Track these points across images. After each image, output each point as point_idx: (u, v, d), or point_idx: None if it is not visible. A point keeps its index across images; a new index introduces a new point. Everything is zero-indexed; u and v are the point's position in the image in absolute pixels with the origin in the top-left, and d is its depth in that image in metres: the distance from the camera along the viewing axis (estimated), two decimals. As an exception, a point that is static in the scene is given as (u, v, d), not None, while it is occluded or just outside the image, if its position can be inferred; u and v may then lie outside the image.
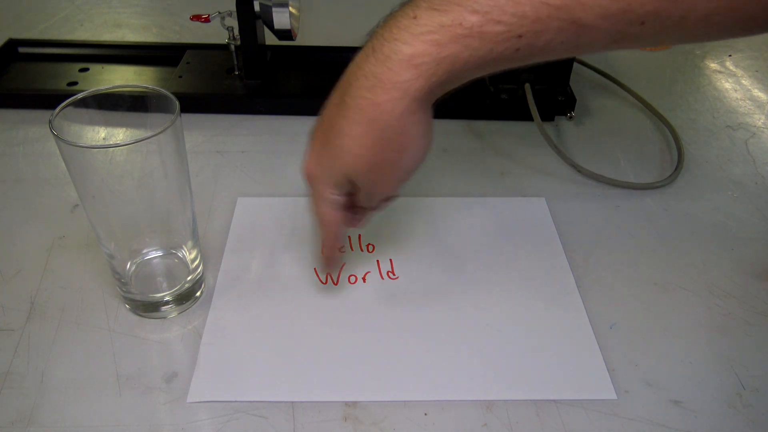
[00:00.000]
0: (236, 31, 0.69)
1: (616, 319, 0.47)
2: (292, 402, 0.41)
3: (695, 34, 0.33)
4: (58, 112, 0.39)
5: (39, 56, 0.77)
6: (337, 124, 0.38)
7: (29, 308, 0.47)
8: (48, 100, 0.69)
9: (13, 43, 0.77)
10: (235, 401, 0.41)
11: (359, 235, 0.54)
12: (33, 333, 0.45)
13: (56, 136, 0.37)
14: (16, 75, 0.74)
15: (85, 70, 0.75)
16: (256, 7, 0.66)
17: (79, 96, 0.40)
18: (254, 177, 0.61)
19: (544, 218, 0.56)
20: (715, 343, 0.46)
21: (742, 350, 0.45)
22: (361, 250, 0.53)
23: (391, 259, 0.52)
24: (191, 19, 0.70)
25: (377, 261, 0.52)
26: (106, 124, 0.68)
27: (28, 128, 0.67)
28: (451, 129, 0.69)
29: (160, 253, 0.47)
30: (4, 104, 0.70)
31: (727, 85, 0.79)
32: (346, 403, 0.41)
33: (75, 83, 0.72)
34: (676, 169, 0.63)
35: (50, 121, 0.38)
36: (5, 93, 0.70)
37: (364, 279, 0.50)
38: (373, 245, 0.53)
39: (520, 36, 0.33)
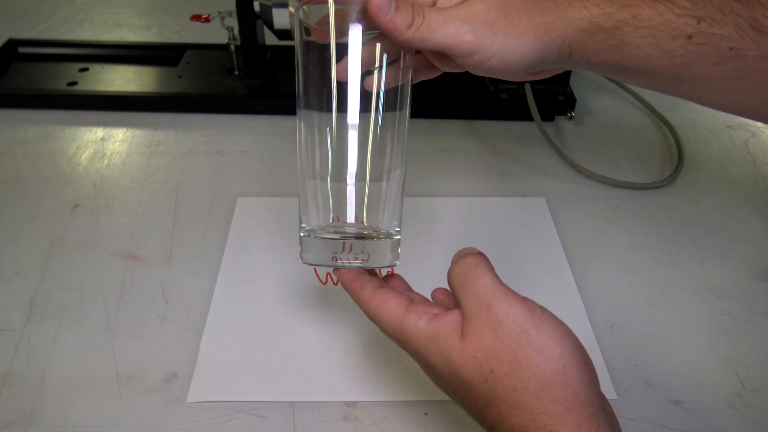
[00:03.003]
0: (236, 31, 0.70)
1: (616, 319, 0.47)
2: (292, 402, 0.41)
3: None
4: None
5: (39, 56, 0.77)
6: None
7: (29, 308, 0.47)
8: (48, 100, 0.70)
9: (13, 43, 0.77)
10: (235, 401, 0.41)
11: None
12: (33, 333, 0.45)
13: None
14: (16, 75, 0.74)
15: (85, 70, 0.75)
16: (256, 7, 0.66)
17: None
18: (254, 177, 0.61)
19: (544, 218, 0.56)
20: (715, 343, 0.46)
21: (742, 350, 0.45)
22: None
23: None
24: (191, 19, 0.70)
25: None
26: (105, 124, 0.68)
27: (28, 128, 0.67)
28: (451, 129, 0.69)
29: None
30: (4, 104, 0.70)
31: (727, 85, 0.79)
32: (346, 403, 0.41)
33: (75, 83, 0.72)
34: (676, 169, 0.63)
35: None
36: (5, 93, 0.70)
37: (364, 279, 0.50)
38: (373, 245, 0.53)
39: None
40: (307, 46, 0.37)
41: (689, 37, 0.34)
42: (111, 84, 0.72)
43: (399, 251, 0.39)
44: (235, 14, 0.67)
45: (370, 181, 0.37)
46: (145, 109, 0.69)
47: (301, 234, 0.38)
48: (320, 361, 0.44)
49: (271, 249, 0.52)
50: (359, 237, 0.37)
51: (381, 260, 0.38)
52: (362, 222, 0.38)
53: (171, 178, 0.60)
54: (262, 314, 0.47)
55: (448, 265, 0.35)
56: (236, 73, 0.73)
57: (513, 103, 0.68)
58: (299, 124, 0.38)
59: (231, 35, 0.71)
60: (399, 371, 0.43)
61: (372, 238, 0.38)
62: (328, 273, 0.50)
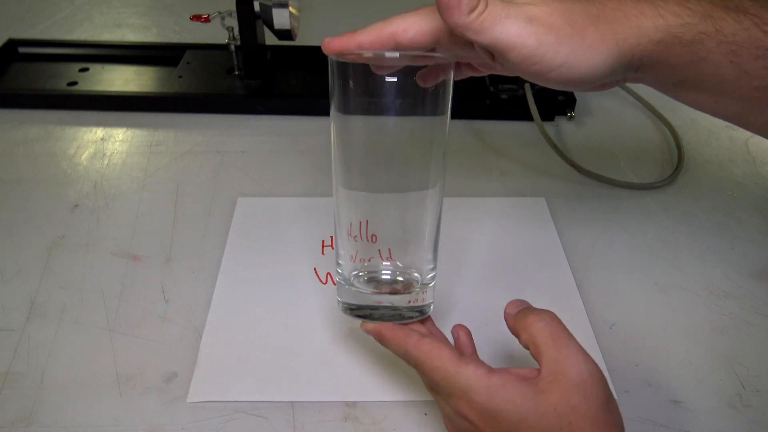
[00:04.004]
0: (236, 31, 0.70)
1: (616, 319, 0.47)
2: (292, 402, 0.41)
3: None
4: None
5: (39, 56, 0.77)
6: None
7: (29, 308, 0.47)
8: (48, 100, 0.70)
9: (13, 43, 0.77)
10: (235, 401, 0.41)
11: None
12: (33, 333, 0.45)
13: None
14: (16, 75, 0.74)
15: (85, 70, 0.75)
16: (256, 7, 0.66)
17: None
18: (254, 177, 0.61)
19: (544, 218, 0.56)
20: (715, 343, 0.46)
21: (742, 350, 0.45)
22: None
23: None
24: (191, 19, 0.70)
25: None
26: (105, 124, 0.68)
27: (28, 128, 0.67)
28: (451, 129, 0.68)
29: None
30: (4, 104, 0.70)
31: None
32: (346, 403, 0.41)
33: (75, 83, 0.72)
34: (676, 169, 0.63)
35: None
36: (5, 93, 0.70)
37: (364, 279, 0.50)
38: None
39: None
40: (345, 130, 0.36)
41: None
42: (111, 84, 0.72)
43: (433, 296, 0.40)
44: (235, 14, 0.67)
45: (404, 224, 0.37)
46: (145, 109, 0.69)
47: (338, 278, 0.39)
48: (320, 361, 0.44)
49: (271, 249, 0.52)
50: (395, 292, 0.37)
51: (415, 314, 0.38)
52: (396, 263, 0.38)
53: (171, 178, 0.60)
54: (262, 314, 0.47)
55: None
56: (236, 73, 0.73)
57: (513, 103, 0.68)
58: (335, 181, 0.37)
59: (231, 35, 0.71)
60: (399, 371, 0.43)
61: (407, 288, 0.38)
62: (328, 273, 0.50)
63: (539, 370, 0.32)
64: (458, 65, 0.37)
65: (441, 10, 0.31)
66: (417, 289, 0.38)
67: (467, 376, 0.32)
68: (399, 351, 0.36)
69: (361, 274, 0.39)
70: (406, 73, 0.33)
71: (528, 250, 0.53)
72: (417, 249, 0.38)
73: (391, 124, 0.35)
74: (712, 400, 0.42)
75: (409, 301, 0.38)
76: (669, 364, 0.44)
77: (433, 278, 0.39)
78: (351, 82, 0.34)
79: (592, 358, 0.32)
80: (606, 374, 0.43)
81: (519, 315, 0.35)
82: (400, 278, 0.38)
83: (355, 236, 0.37)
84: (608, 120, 0.71)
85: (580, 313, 0.47)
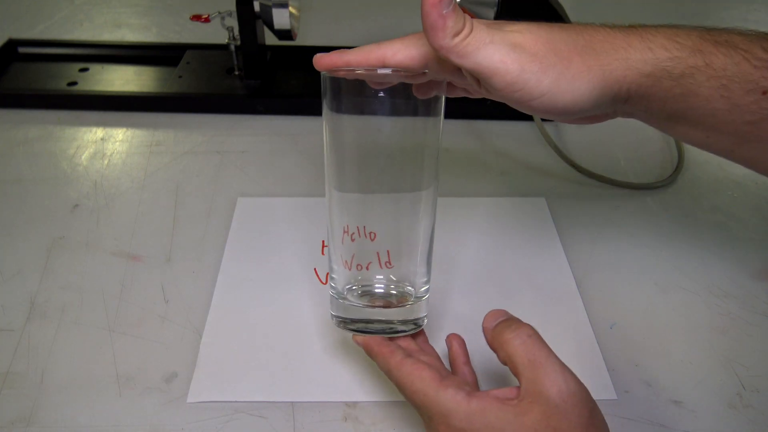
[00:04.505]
0: (236, 31, 0.70)
1: (616, 319, 0.47)
2: (292, 402, 0.41)
3: None
4: None
5: (39, 56, 0.78)
6: None
7: (29, 308, 0.47)
8: (48, 100, 0.70)
9: (13, 43, 0.77)
10: (235, 401, 0.41)
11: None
12: (33, 333, 0.45)
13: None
14: (16, 75, 0.74)
15: (85, 70, 0.75)
16: (256, 7, 0.66)
17: None
18: (254, 177, 0.61)
19: (544, 218, 0.56)
20: (715, 343, 0.46)
21: (742, 350, 0.45)
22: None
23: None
24: (191, 19, 0.70)
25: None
26: (105, 124, 0.68)
27: (28, 128, 0.67)
28: (451, 129, 0.69)
29: None
30: (4, 104, 0.70)
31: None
32: (346, 403, 0.41)
33: (75, 83, 0.72)
34: (676, 169, 0.63)
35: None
36: (5, 93, 0.70)
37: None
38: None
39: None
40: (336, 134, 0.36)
41: (764, 92, 0.31)
42: (111, 84, 0.72)
43: (427, 309, 0.40)
44: (235, 14, 0.67)
45: (398, 234, 0.37)
46: (145, 109, 0.69)
47: (331, 293, 0.39)
48: (320, 361, 0.44)
49: (271, 249, 0.52)
50: (387, 306, 0.38)
51: (409, 328, 0.38)
52: (390, 276, 0.38)
53: (171, 178, 0.60)
54: (262, 314, 0.47)
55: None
56: (236, 73, 0.73)
57: (513, 103, 0.68)
58: (328, 189, 0.37)
59: (231, 35, 0.71)
60: (399, 371, 0.43)
61: (401, 302, 0.38)
62: (328, 273, 0.50)
63: (518, 389, 0.32)
64: (451, 84, 0.37)
65: (426, 31, 0.31)
66: (410, 302, 0.38)
67: (446, 400, 0.32)
68: (383, 368, 0.36)
69: (354, 288, 0.39)
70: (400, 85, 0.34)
71: (528, 250, 0.53)
72: (411, 258, 0.38)
73: (383, 124, 0.35)
74: (712, 400, 0.42)
75: (403, 316, 0.38)
76: (669, 364, 0.44)
77: (426, 291, 0.39)
78: (342, 88, 0.35)
79: (573, 375, 0.32)
80: (606, 374, 0.43)
81: (496, 330, 0.34)
82: (394, 291, 0.39)
83: (353, 234, 0.37)
84: (608, 120, 0.71)
85: (580, 313, 0.47)
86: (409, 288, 0.39)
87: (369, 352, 0.37)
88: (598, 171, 0.61)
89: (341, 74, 0.34)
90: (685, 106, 0.32)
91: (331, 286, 0.39)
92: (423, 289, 0.39)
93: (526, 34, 0.31)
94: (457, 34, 0.30)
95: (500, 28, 0.31)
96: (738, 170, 0.63)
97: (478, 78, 0.32)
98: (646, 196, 0.60)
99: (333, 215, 0.38)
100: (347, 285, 0.39)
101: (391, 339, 0.37)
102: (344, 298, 0.39)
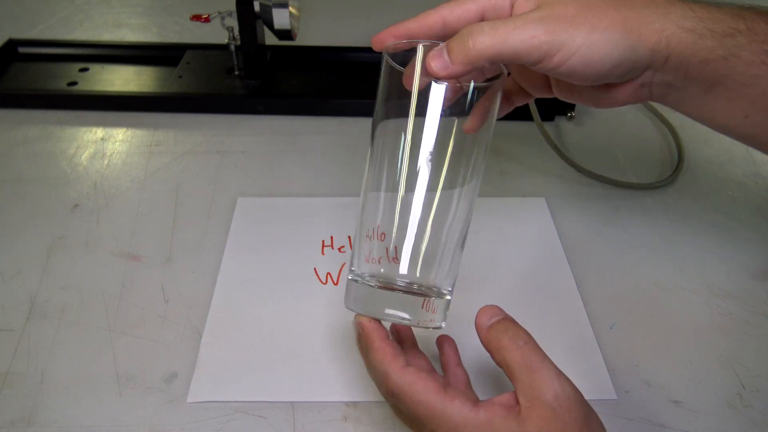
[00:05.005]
0: (236, 31, 0.69)
1: (616, 319, 0.47)
2: (292, 402, 0.41)
3: None
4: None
5: (39, 56, 0.77)
6: None
7: (29, 308, 0.47)
8: (48, 100, 0.70)
9: (13, 43, 0.77)
10: (235, 401, 0.41)
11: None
12: (33, 333, 0.45)
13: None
14: (16, 75, 0.74)
15: (85, 70, 0.75)
16: (256, 7, 0.66)
17: None
18: (254, 177, 0.61)
19: (544, 218, 0.56)
20: (715, 343, 0.46)
21: (742, 350, 0.45)
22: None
23: (391, 259, 0.52)
24: (191, 19, 0.70)
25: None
26: (105, 124, 0.68)
27: (28, 128, 0.67)
28: (451, 129, 0.68)
29: None
30: (4, 104, 0.70)
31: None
32: (346, 403, 0.41)
33: (75, 83, 0.72)
34: (676, 169, 0.63)
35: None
36: (5, 93, 0.70)
37: (364, 279, 0.50)
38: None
39: None
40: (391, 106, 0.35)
41: None
42: (111, 84, 0.72)
43: (447, 313, 0.38)
44: (235, 14, 0.67)
45: (430, 234, 0.36)
46: (145, 109, 0.69)
47: (349, 277, 0.37)
48: (320, 361, 0.44)
49: (271, 249, 0.52)
50: (408, 291, 0.35)
51: (428, 319, 0.36)
52: (415, 275, 0.36)
53: (171, 178, 0.60)
54: (262, 314, 0.47)
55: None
56: (236, 73, 0.73)
57: (513, 103, 0.68)
58: (368, 170, 0.36)
59: (231, 35, 0.71)
60: (399, 371, 0.43)
61: (421, 294, 0.36)
62: (328, 273, 0.50)
63: (515, 395, 0.32)
64: (507, 97, 0.38)
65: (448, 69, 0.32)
66: (432, 303, 0.36)
67: (453, 412, 0.31)
68: (378, 369, 0.34)
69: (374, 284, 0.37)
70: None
71: (528, 250, 0.53)
72: (441, 260, 0.37)
73: (434, 126, 0.35)
74: (712, 400, 0.42)
75: (420, 321, 0.36)
76: (669, 364, 0.44)
77: (449, 296, 0.38)
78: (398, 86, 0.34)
79: (566, 378, 0.32)
80: (606, 374, 0.43)
81: (491, 334, 0.34)
82: (416, 288, 0.36)
83: (384, 234, 0.36)
84: (608, 120, 0.71)
85: (580, 313, 0.47)
86: (434, 287, 0.37)
87: (367, 343, 0.35)
88: (598, 171, 0.61)
89: (402, 46, 0.34)
90: (726, 71, 0.31)
91: (351, 270, 0.37)
92: (447, 290, 0.38)
93: (554, 4, 0.31)
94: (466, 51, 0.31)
95: (527, 10, 0.32)
96: (738, 170, 0.63)
97: (520, 62, 0.32)
98: (646, 196, 0.60)
99: (366, 212, 0.37)
100: (369, 273, 0.36)
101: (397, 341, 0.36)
102: (363, 281, 0.36)
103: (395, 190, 0.35)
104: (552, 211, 0.57)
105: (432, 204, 0.36)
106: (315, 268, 0.51)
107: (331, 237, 0.54)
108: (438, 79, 0.33)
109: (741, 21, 0.31)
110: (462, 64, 0.32)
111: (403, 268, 0.35)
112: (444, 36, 0.34)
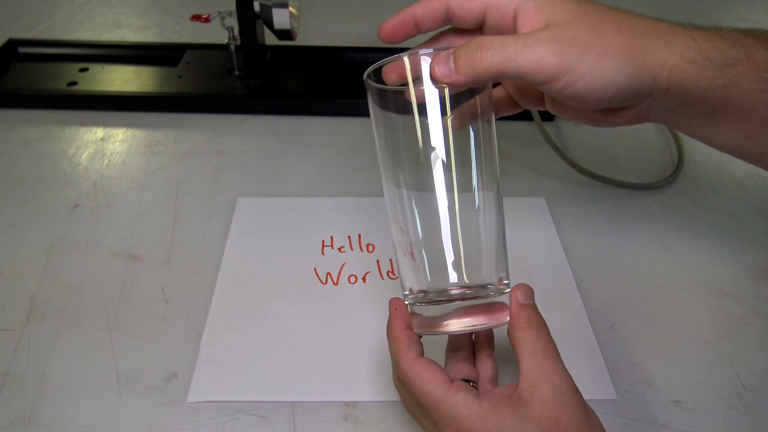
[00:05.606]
0: (236, 31, 0.70)
1: (616, 319, 0.47)
2: (292, 402, 0.41)
3: None
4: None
5: (39, 56, 0.77)
6: None
7: (29, 308, 0.47)
8: (48, 100, 0.70)
9: (13, 43, 0.77)
10: (235, 401, 0.41)
11: (359, 235, 0.54)
12: (33, 333, 0.45)
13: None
14: (16, 75, 0.74)
15: (85, 70, 0.75)
16: (256, 7, 0.66)
17: None
18: (254, 177, 0.61)
19: (544, 218, 0.56)
20: (715, 343, 0.46)
21: (742, 350, 0.45)
22: (361, 250, 0.53)
23: (391, 259, 0.52)
24: (191, 19, 0.70)
25: (377, 261, 0.52)
26: (105, 124, 0.68)
27: (28, 128, 0.67)
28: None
29: None
30: (4, 104, 0.70)
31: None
32: (346, 403, 0.41)
33: (75, 83, 0.72)
34: (676, 169, 0.63)
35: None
36: (5, 93, 0.70)
37: (364, 279, 0.50)
38: (373, 245, 0.53)
39: None
40: (383, 122, 0.36)
41: None
42: (111, 84, 0.72)
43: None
44: (235, 14, 0.67)
45: (466, 234, 0.35)
46: (145, 109, 0.69)
47: (406, 302, 0.36)
48: (320, 361, 0.44)
49: (271, 249, 0.52)
50: (464, 298, 0.35)
51: (496, 318, 0.35)
52: (464, 280, 0.35)
53: (171, 178, 0.60)
54: (262, 314, 0.47)
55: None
56: (236, 73, 0.73)
57: (513, 103, 0.68)
58: (386, 196, 0.36)
59: (231, 35, 0.71)
60: (399, 371, 0.43)
61: (476, 298, 0.35)
62: (328, 273, 0.50)
63: (516, 386, 0.32)
64: (503, 102, 0.39)
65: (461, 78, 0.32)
66: (491, 295, 0.36)
67: (456, 404, 0.32)
68: (392, 356, 0.35)
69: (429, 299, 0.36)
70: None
71: (528, 250, 0.53)
72: (485, 258, 0.36)
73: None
74: (712, 400, 0.42)
75: (488, 322, 0.35)
76: (669, 364, 0.44)
77: (508, 288, 0.37)
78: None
79: (569, 374, 0.33)
80: (606, 374, 0.43)
81: (525, 311, 0.34)
82: (470, 292, 0.36)
83: (419, 247, 0.35)
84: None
85: (580, 313, 0.47)
86: (489, 285, 0.36)
87: (389, 329, 0.35)
88: (598, 171, 0.61)
89: (402, 35, 0.35)
90: (725, 99, 0.32)
91: (405, 295, 0.37)
92: (504, 283, 0.37)
93: (565, 25, 0.31)
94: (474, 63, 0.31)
95: (537, 30, 0.32)
96: (738, 170, 0.63)
97: (525, 81, 0.33)
98: (646, 196, 0.60)
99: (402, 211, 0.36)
100: (421, 291, 0.36)
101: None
102: (421, 303, 0.36)
103: (417, 201, 0.35)
104: (552, 211, 0.57)
105: (454, 206, 0.35)
106: (315, 268, 0.51)
107: (331, 237, 0.54)
108: (437, 83, 0.33)
109: (741, 49, 0.31)
110: (467, 75, 0.32)
111: (452, 276, 0.35)
112: (446, 21, 0.35)
